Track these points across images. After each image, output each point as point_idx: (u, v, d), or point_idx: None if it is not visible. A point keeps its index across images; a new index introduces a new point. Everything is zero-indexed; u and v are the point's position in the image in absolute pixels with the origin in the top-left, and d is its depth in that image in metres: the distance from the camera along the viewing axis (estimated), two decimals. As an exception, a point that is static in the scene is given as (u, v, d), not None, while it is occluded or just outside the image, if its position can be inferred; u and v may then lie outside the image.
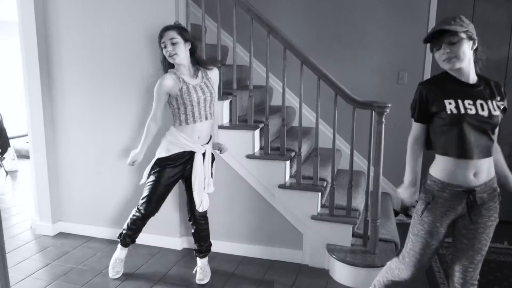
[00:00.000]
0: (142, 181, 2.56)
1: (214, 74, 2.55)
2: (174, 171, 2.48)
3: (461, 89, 1.70)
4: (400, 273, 1.93)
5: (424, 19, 3.44)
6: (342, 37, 3.68)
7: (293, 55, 2.76)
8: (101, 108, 3.11)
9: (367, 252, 2.71)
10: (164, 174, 2.47)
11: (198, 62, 2.48)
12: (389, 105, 2.58)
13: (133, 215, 2.58)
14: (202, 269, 2.70)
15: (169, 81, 2.38)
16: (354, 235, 2.86)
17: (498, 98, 1.71)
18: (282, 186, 2.85)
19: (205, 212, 2.65)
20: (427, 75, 3.50)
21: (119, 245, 2.70)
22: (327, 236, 2.81)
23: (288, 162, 2.92)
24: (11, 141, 5.56)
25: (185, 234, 3.15)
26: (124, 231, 2.64)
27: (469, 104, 1.66)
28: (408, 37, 3.50)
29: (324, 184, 2.93)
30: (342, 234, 2.79)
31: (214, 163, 2.66)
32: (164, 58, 2.43)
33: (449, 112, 1.66)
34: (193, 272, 2.72)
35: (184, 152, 2.45)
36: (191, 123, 2.42)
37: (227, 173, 2.97)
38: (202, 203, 2.54)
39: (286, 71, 2.83)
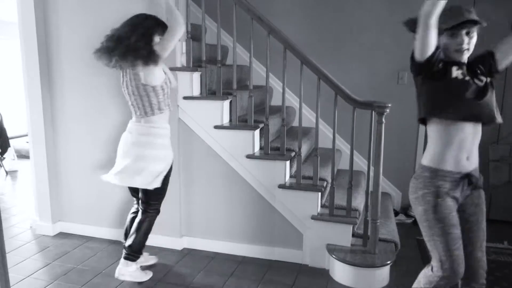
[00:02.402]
0: (152, 186, 2.48)
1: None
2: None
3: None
4: (449, 280, 1.75)
5: (424, 19, 3.43)
6: (342, 37, 3.68)
7: (293, 55, 2.76)
8: (101, 108, 3.11)
9: (367, 252, 2.71)
10: (168, 174, 2.60)
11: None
12: (389, 105, 2.58)
13: (149, 216, 2.57)
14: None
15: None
16: (354, 235, 2.86)
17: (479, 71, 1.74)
18: (282, 186, 2.85)
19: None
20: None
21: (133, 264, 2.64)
22: (327, 236, 2.81)
23: (288, 162, 2.92)
24: (11, 141, 5.57)
25: (185, 234, 3.15)
26: (142, 240, 2.58)
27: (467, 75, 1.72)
28: (408, 37, 3.45)
29: (324, 184, 2.93)
30: (342, 234, 2.79)
31: None
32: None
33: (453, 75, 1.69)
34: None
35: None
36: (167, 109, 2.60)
37: (227, 173, 2.97)
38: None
39: (286, 71, 2.83)
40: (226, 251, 3.07)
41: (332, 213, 2.82)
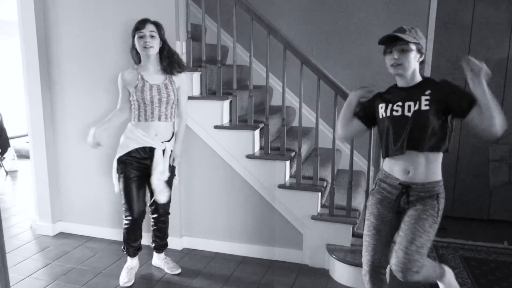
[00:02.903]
0: (116, 190, 2.54)
1: (179, 79, 2.52)
2: (138, 167, 2.47)
3: (397, 93, 1.87)
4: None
5: (424, 19, 3.44)
6: (342, 37, 3.68)
7: (293, 55, 2.76)
8: (101, 107, 3.11)
9: (367, 252, 2.71)
10: (129, 172, 2.46)
11: (168, 63, 2.46)
12: (389, 105, 2.58)
13: (124, 225, 2.56)
14: (166, 261, 2.80)
15: (126, 75, 2.47)
16: (354, 235, 2.86)
17: (427, 93, 1.79)
18: (282, 186, 2.85)
19: (167, 207, 2.68)
20: (427, 75, 3.49)
21: (128, 257, 2.68)
22: (327, 236, 2.81)
23: (288, 162, 2.92)
24: (11, 141, 5.57)
25: (185, 234, 3.15)
26: (124, 243, 2.63)
27: (397, 106, 1.83)
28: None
29: (324, 184, 2.93)
30: (342, 234, 2.79)
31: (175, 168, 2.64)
32: (133, 48, 2.46)
33: (380, 116, 1.89)
34: (156, 265, 2.82)
35: (145, 148, 2.46)
36: (142, 120, 2.46)
37: (227, 173, 2.97)
38: (161, 193, 2.50)
39: (286, 71, 2.83)
40: (226, 251, 3.07)
41: (332, 213, 2.82)
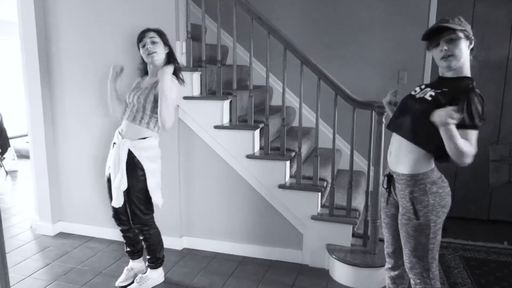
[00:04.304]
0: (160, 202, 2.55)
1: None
2: (107, 162, 2.50)
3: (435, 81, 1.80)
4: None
5: (424, 19, 3.44)
6: (342, 37, 3.67)
7: (293, 55, 2.76)
8: (101, 107, 3.11)
9: (367, 252, 2.71)
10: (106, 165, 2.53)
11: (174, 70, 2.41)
12: (389, 105, 2.58)
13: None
14: (129, 270, 2.66)
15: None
16: (354, 235, 2.86)
17: (445, 89, 1.69)
18: (282, 186, 2.85)
19: (137, 220, 2.45)
20: (427, 75, 3.50)
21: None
22: (327, 236, 2.81)
23: (288, 162, 2.92)
24: (11, 141, 5.57)
25: (185, 234, 3.15)
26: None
27: (420, 88, 1.80)
28: (408, 37, 3.50)
29: (324, 184, 2.93)
30: (342, 234, 2.79)
31: (150, 174, 2.41)
32: (142, 62, 2.47)
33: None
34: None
35: (114, 143, 2.45)
36: (121, 116, 2.54)
37: (227, 173, 2.97)
38: (115, 198, 2.39)
39: (286, 71, 2.83)
40: (226, 251, 3.07)
41: (332, 213, 2.82)
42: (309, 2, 3.71)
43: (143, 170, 2.37)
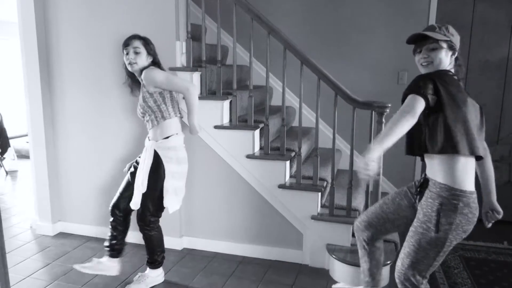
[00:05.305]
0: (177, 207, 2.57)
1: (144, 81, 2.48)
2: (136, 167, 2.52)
3: None
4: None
5: (424, 19, 3.44)
6: (342, 37, 3.68)
7: (293, 55, 2.76)
8: (101, 107, 3.11)
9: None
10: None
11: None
12: (389, 105, 2.58)
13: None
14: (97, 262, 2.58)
15: None
16: (354, 235, 2.85)
17: None
18: (282, 186, 2.85)
19: (140, 217, 2.47)
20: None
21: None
22: (327, 236, 2.81)
23: (288, 162, 2.92)
24: (11, 141, 5.57)
25: (185, 234, 3.15)
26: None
27: None
28: (408, 37, 3.49)
29: (324, 184, 2.93)
30: (342, 234, 2.79)
31: (169, 176, 2.43)
32: (125, 67, 2.47)
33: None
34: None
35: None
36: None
37: (227, 173, 2.97)
38: (135, 199, 2.41)
39: (286, 71, 2.83)
40: (226, 251, 3.07)
41: (332, 213, 2.82)
42: (309, 2, 3.71)
43: (165, 171, 2.40)
